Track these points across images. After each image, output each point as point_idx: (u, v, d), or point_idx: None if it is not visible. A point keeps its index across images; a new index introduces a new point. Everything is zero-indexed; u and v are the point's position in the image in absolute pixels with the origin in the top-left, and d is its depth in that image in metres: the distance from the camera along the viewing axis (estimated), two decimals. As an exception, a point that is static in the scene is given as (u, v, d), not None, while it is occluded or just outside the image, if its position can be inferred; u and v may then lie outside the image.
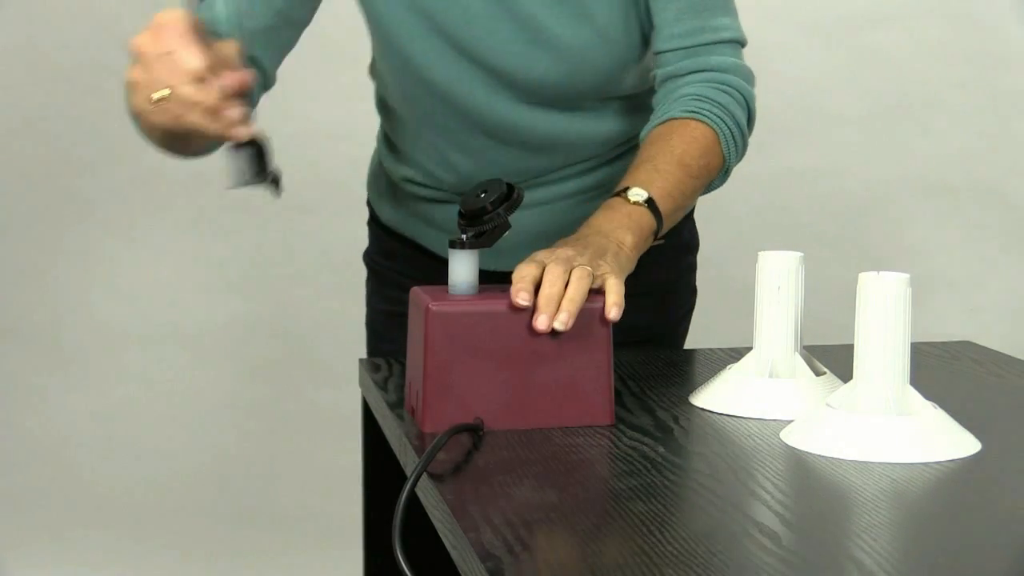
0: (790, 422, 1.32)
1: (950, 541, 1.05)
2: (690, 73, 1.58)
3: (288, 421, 3.34)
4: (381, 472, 1.60)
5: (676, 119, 1.55)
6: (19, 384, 3.22)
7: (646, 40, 1.62)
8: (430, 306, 1.32)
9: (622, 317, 1.34)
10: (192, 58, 1.28)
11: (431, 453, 1.21)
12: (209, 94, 1.29)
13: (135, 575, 3.06)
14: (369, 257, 1.87)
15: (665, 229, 1.49)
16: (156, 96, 1.29)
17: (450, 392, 1.32)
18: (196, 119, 1.30)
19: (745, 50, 1.62)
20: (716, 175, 1.57)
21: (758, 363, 1.41)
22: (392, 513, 1.45)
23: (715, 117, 1.55)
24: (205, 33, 1.30)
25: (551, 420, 1.34)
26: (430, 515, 1.19)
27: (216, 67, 1.30)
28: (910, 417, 1.24)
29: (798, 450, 1.26)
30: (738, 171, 1.60)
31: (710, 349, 1.70)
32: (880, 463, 1.21)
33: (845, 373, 1.32)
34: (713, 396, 1.42)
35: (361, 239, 1.89)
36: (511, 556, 1.00)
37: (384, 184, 1.81)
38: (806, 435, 1.27)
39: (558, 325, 1.30)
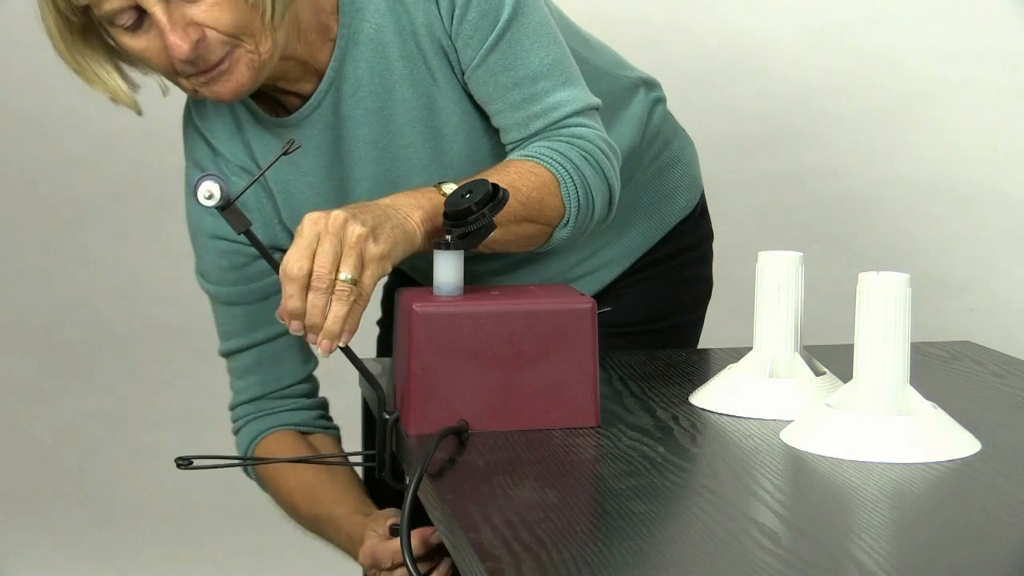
0: (790, 422, 1.32)
1: (950, 541, 1.05)
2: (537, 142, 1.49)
3: (288, 421, 3.33)
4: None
5: (514, 160, 1.46)
6: (19, 384, 3.22)
7: None
8: (414, 307, 1.32)
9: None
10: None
11: (426, 458, 1.20)
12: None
13: (135, 575, 3.06)
14: None
15: (481, 247, 1.37)
16: None
17: (435, 394, 1.32)
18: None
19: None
20: (554, 220, 1.45)
21: (758, 363, 1.41)
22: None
23: (556, 164, 1.44)
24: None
25: (536, 422, 1.34)
26: (430, 515, 1.19)
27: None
28: (910, 417, 1.24)
29: (798, 450, 1.26)
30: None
31: (710, 349, 1.70)
32: (880, 463, 1.21)
33: (845, 373, 1.32)
34: (713, 396, 1.42)
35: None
36: (511, 556, 1.00)
37: None
38: (806, 435, 1.27)
39: (319, 354, 1.27)
